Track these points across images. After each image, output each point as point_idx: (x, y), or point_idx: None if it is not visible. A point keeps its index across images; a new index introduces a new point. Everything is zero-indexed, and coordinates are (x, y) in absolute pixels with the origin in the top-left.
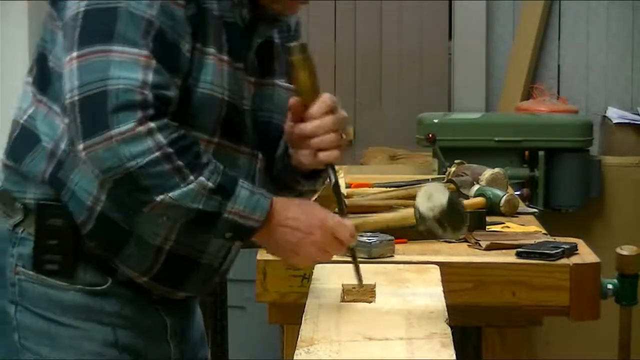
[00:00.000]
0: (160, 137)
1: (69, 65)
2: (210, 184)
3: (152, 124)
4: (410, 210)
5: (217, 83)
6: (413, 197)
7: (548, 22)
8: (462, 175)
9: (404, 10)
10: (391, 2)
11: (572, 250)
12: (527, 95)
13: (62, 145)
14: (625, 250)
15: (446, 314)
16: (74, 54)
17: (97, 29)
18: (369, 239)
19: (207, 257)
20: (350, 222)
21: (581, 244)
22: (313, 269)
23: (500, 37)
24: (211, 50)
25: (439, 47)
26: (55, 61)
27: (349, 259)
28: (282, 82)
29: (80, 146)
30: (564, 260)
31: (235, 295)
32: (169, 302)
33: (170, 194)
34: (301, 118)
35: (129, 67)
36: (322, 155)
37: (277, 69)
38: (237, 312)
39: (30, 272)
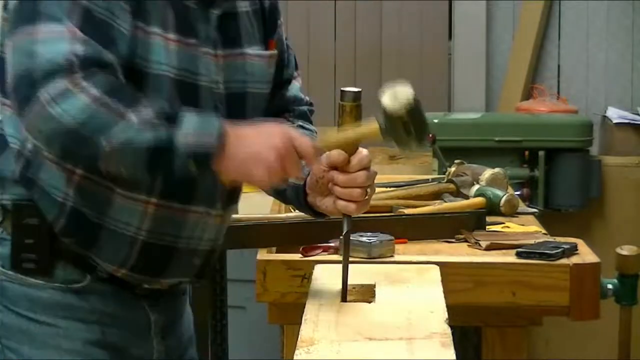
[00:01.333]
0: (93, 90)
1: (5, 55)
2: (150, 114)
3: (80, 80)
4: (374, 124)
5: (165, 62)
6: (413, 197)
7: (548, 22)
8: (462, 175)
9: (404, 10)
10: (391, 2)
11: (572, 250)
12: (527, 95)
13: (28, 145)
14: (625, 250)
15: (446, 314)
16: (6, 41)
17: (23, 13)
18: (369, 239)
19: (183, 242)
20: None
21: (581, 244)
22: (313, 268)
23: (500, 37)
24: (155, 29)
25: (439, 47)
26: None
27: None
28: (252, 51)
29: (24, 127)
30: (563, 260)
31: (235, 295)
32: (155, 297)
33: (115, 138)
34: (336, 167)
35: (55, 42)
36: (341, 205)
37: (244, 38)
38: (237, 312)
39: (10, 272)
